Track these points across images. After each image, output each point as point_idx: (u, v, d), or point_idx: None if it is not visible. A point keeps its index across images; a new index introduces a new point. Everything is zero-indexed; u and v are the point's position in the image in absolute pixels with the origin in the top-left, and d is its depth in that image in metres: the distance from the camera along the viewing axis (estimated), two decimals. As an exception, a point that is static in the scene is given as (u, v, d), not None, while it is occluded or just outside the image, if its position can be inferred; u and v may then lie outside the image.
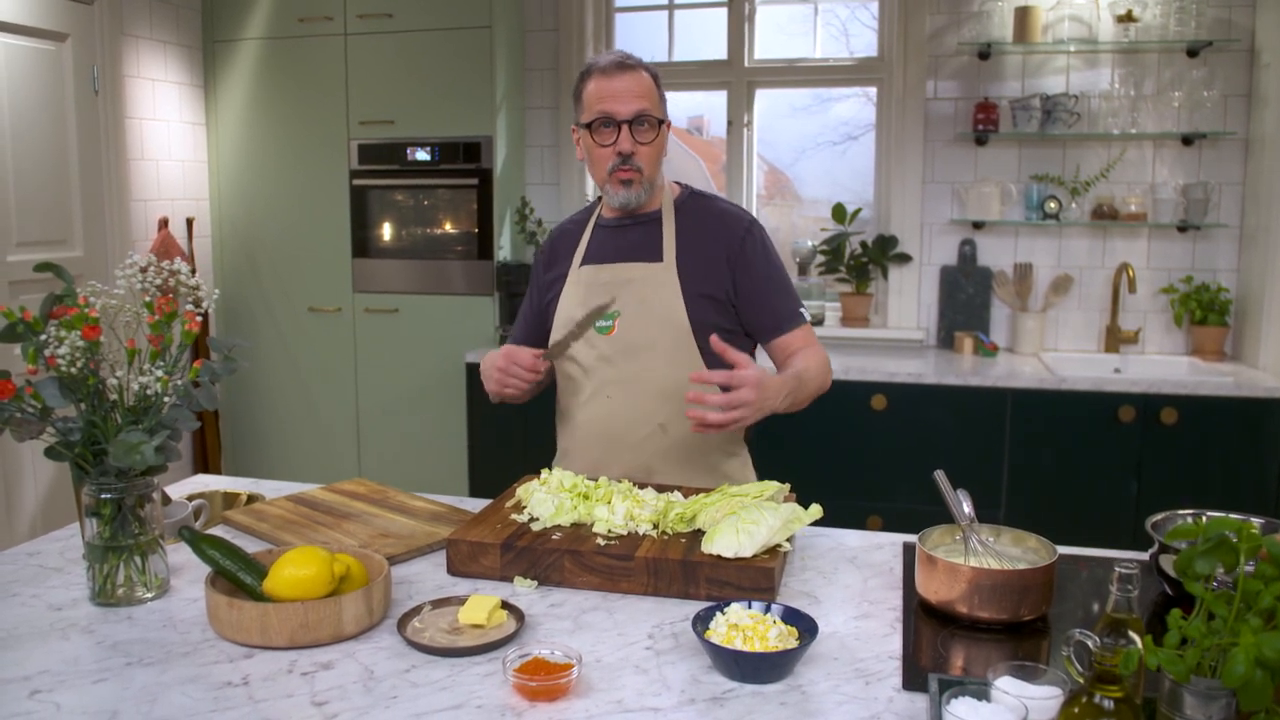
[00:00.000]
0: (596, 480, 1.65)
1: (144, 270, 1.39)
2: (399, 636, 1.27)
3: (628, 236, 1.90)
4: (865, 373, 3.28)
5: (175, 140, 3.86)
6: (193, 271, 1.45)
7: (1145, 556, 1.48)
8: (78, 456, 1.36)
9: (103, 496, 1.36)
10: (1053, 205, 3.60)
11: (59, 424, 1.36)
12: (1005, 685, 1.00)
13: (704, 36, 4.03)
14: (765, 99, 4.06)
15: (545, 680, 1.11)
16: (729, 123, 4.01)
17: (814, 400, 1.81)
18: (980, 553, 1.40)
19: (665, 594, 1.41)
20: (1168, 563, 1.38)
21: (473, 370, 3.61)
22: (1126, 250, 3.63)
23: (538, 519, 1.56)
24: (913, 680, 1.18)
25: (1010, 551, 1.43)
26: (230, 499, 1.89)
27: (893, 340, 3.79)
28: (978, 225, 3.71)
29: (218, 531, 1.69)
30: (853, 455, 3.29)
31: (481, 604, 1.29)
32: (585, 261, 1.91)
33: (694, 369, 1.77)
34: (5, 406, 1.31)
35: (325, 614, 1.24)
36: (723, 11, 3.97)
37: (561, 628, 1.32)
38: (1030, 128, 3.56)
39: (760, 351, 1.94)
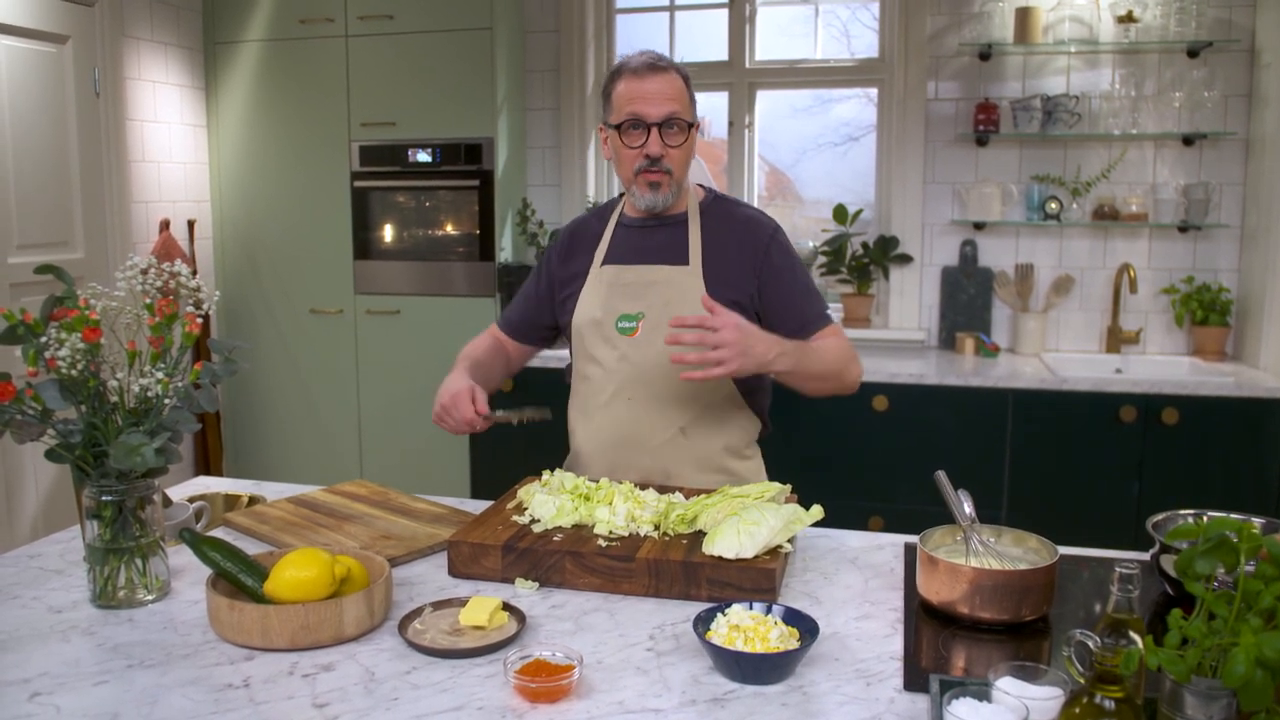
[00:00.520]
0: (598, 482, 1.65)
1: (145, 272, 1.39)
2: (400, 638, 1.27)
3: (653, 238, 1.88)
4: (866, 373, 3.21)
5: (176, 142, 3.86)
6: (194, 273, 1.44)
7: (1146, 557, 1.48)
8: (78, 459, 1.36)
9: (103, 499, 1.36)
10: (1054, 206, 3.60)
11: (59, 426, 1.35)
12: (1006, 686, 1.00)
13: (705, 38, 4.03)
14: (766, 100, 4.06)
15: (546, 682, 1.11)
16: (730, 124, 4.01)
17: (833, 388, 1.82)
18: (981, 553, 1.40)
19: (666, 595, 1.41)
20: (1168, 563, 1.38)
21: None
22: (1127, 250, 3.63)
23: (539, 520, 1.56)
24: (914, 681, 1.18)
25: (1011, 552, 1.43)
26: (231, 501, 1.89)
27: (894, 341, 3.79)
28: (979, 226, 3.70)
29: (219, 533, 1.69)
30: (854, 456, 3.29)
31: (483, 605, 1.29)
32: (607, 261, 1.90)
33: None
34: (6, 409, 1.31)
35: (326, 616, 1.24)
36: (723, 13, 3.97)
37: (562, 629, 1.32)
38: (1031, 128, 3.56)
39: None
